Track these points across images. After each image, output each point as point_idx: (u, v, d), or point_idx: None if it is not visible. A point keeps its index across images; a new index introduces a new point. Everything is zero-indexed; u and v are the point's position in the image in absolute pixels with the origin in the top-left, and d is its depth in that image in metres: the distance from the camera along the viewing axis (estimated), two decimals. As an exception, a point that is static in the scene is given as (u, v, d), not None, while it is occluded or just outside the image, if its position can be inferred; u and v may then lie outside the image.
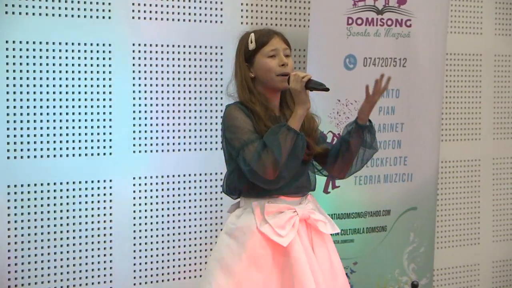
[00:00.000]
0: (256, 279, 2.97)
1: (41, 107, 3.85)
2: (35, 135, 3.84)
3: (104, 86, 3.99)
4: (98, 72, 3.97)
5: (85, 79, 3.94)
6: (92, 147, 3.98)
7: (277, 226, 2.98)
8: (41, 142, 3.86)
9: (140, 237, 4.12)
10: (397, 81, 4.25)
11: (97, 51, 3.96)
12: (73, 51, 3.91)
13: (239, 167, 2.98)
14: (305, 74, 2.98)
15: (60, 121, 3.90)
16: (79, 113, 3.94)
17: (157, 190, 4.15)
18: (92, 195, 3.99)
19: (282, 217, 3.01)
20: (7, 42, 3.76)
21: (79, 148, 3.95)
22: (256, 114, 3.01)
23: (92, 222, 3.99)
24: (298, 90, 2.95)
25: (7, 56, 3.77)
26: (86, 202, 3.97)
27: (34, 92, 3.83)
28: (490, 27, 5.13)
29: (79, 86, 3.93)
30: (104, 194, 4.02)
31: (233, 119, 3.00)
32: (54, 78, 3.87)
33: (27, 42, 3.81)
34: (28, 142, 3.83)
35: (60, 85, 3.89)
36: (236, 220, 3.07)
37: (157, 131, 4.12)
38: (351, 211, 4.18)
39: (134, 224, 4.10)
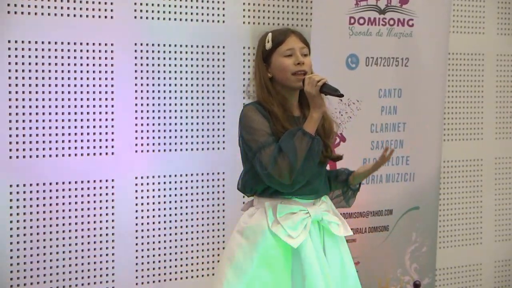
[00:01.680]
0: (267, 280, 2.97)
1: (43, 106, 3.85)
2: (37, 135, 3.85)
3: (106, 85, 3.99)
4: (100, 71, 3.97)
5: (88, 78, 3.95)
6: (94, 147, 3.98)
7: (288, 227, 2.97)
8: (43, 142, 3.86)
9: (142, 237, 4.12)
10: (399, 80, 4.26)
11: (100, 51, 3.97)
12: (75, 50, 3.91)
13: (254, 167, 2.99)
14: (321, 77, 2.96)
15: (63, 120, 3.90)
16: (82, 113, 3.94)
17: (159, 189, 4.15)
18: (95, 195, 3.99)
19: (294, 218, 3.00)
20: (9, 41, 3.77)
21: (81, 147, 3.95)
22: (273, 115, 3.00)
23: (95, 222, 3.99)
24: (313, 94, 2.95)
25: (9, 56, 3.77)
26: (88, 202, 3.98)
27: (36, 92, 3.83)
28: (492, 27, 5.13)
29: (82, 85, 3.93)
30: (107, 194, 4.02)
31: (250, 120, 3.00)
32: (56, 78, 3.87)
33: (29, 42, 3.81)
34: (31, 142, 3.83)
35: (62, 85, 3.89)
36: (248, 219, 3.06)
37: (159, 131, 4.13)
38: (353, 211, 4.17)
39: (136, 224, 4.10)
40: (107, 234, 4.03)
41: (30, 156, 3.84)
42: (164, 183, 4.16)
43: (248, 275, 2.98)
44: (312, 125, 2.95)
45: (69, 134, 3.92)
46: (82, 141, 3.95)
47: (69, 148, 3.92)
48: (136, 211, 4.10)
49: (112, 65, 4.00)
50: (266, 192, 3.03)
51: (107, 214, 4.03)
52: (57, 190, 3.90)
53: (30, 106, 3.82)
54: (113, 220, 4.04)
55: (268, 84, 3.07)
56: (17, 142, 3.80)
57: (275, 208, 3.01)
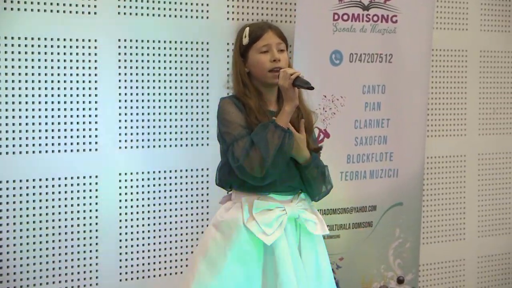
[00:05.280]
0: (239, 275, 2.96)
1: (26, 103, 3.83)
2: (20, 131, 3.83)
3: (89, 82, 3.98)
4: (83, 67, 3.96)
5: (71, 74, 3.93)
6: (77, 143, 3.97)
7: (263, 224, 2.97)
8: (27, 138, 3.84)
9: (126, 233, 4.11)
10: (383, 77, 4.27)
11: (83, 47, 3.95)
12: (58, 46, 3.89)
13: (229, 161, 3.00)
14: (294, 71, 2.97)
15: (46, 117, 3.88)
16: (65, 109, 3.93)
17: (143, 186, 4.14)
18: (78, 191, 3.98)
19: (270, 215, 3.00)
20: (-8, 37, 3.75)
21: (65, 144, 3.94)
22: (248, 107, 3.01)
23: (78, 218, 3.98)
24: (286, 87, 2.96)
25: (-8, 52, 3.76)
26: (71, 198, 3.96)
27: (19, 88, 3.81)
28: (475, 23, 5.15)
29: (65, 81, 3.92)
30: (90, 190, 4.01)
31: (225, 113, 3.02)
32: (39, 74, 3.86)
33: (12, 38, 3.79)
34: (14, 138, 3.81)
35: (46, 81, 3.87)
36: (224, 213, 3.07)
37: (143, 127, 4.12)
38: (337, 207, 4.18)
39: (120, 220, 4.09)
40: (90, 231, 4.02)
41: (13, 153, 3.82)
42: (148, 179, 4.16)
43: (220, 270, 2.97)
44: (285, 118, 2.96)
45: (52, 130, 3.90)
46: (65, 137, 3.94)
47: (52, 144, 3.91)
48: (120, 207, 4.09)
49: (95, 61, 3.99)
50: (243, 186, 3.03)
51: (90, 211, 4.01)
52: (40, 187, 3.88)
53: (13, 102, 3.80)
54: (96, 217, 4.03)
55: (244, 78, 3.08)
56: (0, 139, 3.78)
57: (252, 203, 3.01)
